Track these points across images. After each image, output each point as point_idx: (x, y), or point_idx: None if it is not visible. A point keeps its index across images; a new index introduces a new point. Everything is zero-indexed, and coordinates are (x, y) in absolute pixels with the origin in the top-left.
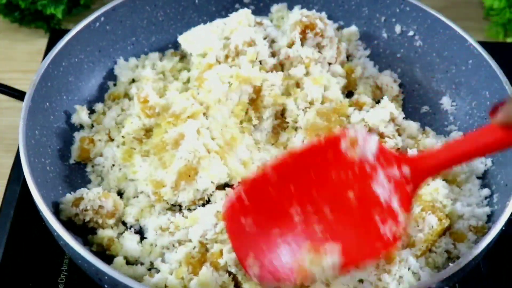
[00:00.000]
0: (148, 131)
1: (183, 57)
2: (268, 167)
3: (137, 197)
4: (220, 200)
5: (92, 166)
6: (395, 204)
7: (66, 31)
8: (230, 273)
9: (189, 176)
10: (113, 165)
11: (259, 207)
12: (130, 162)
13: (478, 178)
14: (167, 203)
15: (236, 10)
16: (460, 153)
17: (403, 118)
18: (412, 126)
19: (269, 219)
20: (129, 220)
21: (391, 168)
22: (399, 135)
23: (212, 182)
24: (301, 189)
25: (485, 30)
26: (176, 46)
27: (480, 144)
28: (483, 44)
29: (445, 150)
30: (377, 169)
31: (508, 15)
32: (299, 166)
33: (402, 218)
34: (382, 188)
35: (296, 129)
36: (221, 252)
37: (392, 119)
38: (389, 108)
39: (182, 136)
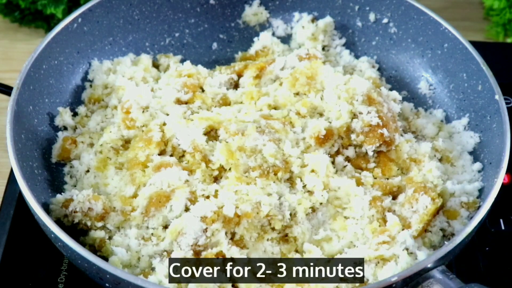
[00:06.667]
0: (127, 142)
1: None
2: None
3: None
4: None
5: (71, 167)
6: None
7: None
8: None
9: (160, 202)
10: (87, 170)
11: None
12: (103, 173)
13: (470, 153)
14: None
15: (211, 6)
16: None
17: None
18: (406, 106)
19: None
20: (111, 227)
21: None
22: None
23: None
24: None
25: (485, 30)
26: (152, 44)
27: None
28: (483, 44)
29: None
30: None
31: (508, 15)
32: None
33: None
34: None
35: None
36: (216, 254)
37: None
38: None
39: (168, 165)
